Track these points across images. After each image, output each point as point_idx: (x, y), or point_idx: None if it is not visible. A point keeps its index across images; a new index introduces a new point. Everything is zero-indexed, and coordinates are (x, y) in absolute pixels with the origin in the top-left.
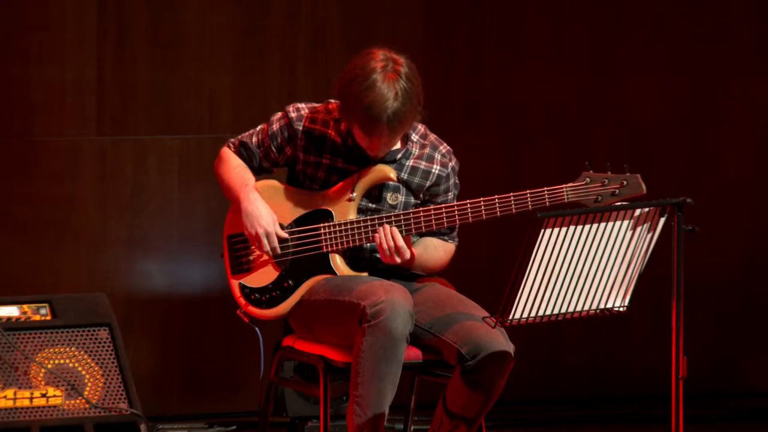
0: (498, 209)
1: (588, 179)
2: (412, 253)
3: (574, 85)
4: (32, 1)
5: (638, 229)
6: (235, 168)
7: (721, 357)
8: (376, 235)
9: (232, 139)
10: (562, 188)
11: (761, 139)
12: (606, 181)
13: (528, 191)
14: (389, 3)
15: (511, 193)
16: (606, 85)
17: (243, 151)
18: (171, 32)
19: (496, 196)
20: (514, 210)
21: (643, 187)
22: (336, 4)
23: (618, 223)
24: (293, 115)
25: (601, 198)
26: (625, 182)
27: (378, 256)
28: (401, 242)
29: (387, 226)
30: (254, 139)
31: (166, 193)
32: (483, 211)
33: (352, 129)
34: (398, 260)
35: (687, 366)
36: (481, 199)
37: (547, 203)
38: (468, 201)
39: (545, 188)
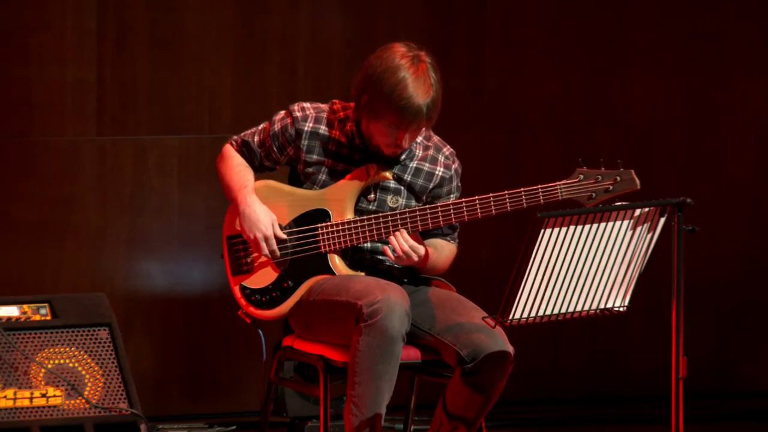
0: (493, 207)
1: (582, 176)
2: (426, 250)
3: (575, 85)
4: (32, 1)
5: (638, 229)
6: (235, 167)
7: (721, 357)
8: (387, 247)
9: (235, 137)
10: (556, 186)
11: (761, 139)
12: (600, 177)
13: (522, 189)
14: (389, 3)
15: (506, 191)
16: (606, 85)
17: (245, 150)
18: (171, 32)
19: (491, 195)
20: (509, 208)
21: (637, 182)
22: (336, 5)
23: (618, 223)
24: (298, 114)
25: (595, 195)
26: (618, 178)
27: (379, 257)
28: (412, 242)
29: (397, 234)
30: (256, 138)
31: (166, 193)
32: (478, 210)
33: (376, 125)
34: (415, 258)
35: (687, 366)
36: (477, 197)
37: (542, 201)
38: (463, 199)
39: (539, 186)
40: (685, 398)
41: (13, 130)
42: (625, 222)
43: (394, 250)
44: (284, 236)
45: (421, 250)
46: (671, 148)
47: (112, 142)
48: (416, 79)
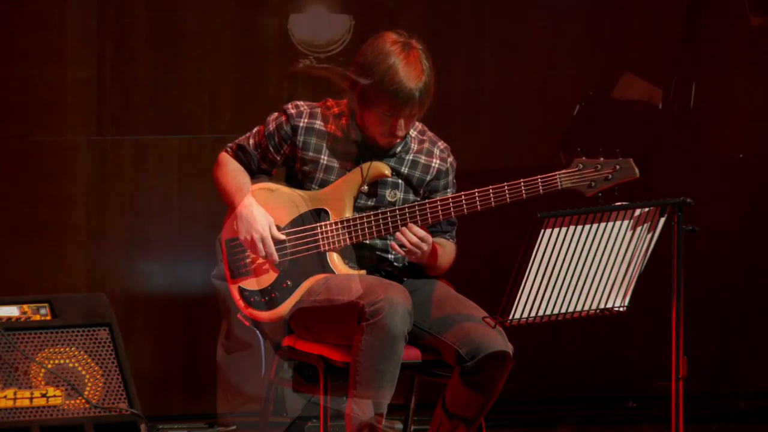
0: (492, 199)
1: (581, 165)
2: (434, 243)
3: (575, 84)
4: (32, 1)
5: (638, 229)
6: (231, 173)
7: (721, 357)
8: (394, 242)
9: (230, 144)
10: (556, 175)
11: (761, 139)
12: (599, 166)
13: (522, 180)
14: (390, 3)
15: (505, 183)
16: (606, 84)
17: (241, 155)
18: (171, 32)
19: (490, 187)
20: (508, 199)
21: (636, 170)
22: (336, 5)
23: (618, 223)
24: (293, 111)
25: (595, 183)
26: (617, 166)
27: (378, 253)
28: (421, 232)
29: (404, 229)
30: (251, 141)
31: (166, 193)
32: (478, 202)
33: (370, 113)
34: (425, 248)
35: (687, 366)
36: (476, 190)
37: (541, 191)
38: (462, 193)
39: (539, 176)
40: (685, 398)
41: (13, 130)
42: (625, 222)
43: (402, 245)
44: (282, 237)
45: (429, 239)
46: (671, 148)
47: (112, 142)
48: (407, 65)
